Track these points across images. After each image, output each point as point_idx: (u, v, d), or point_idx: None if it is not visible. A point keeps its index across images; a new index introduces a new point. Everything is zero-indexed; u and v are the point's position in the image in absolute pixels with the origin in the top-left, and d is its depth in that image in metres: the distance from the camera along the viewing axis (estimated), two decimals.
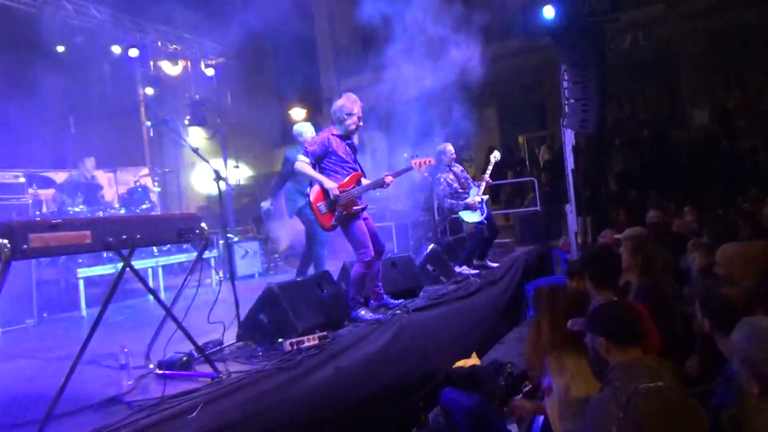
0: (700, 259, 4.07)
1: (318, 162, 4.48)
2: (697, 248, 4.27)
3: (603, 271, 3.31)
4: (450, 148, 6.93)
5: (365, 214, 4.57)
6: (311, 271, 5.76)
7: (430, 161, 4.73)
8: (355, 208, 4.44)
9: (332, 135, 4.52)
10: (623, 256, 3.64)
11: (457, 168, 6.98)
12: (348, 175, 4.48)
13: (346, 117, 4.51)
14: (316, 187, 4.44)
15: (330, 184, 4.37)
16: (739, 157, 10.76)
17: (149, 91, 11.49)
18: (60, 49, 9.85)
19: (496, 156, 7.08)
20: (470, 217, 6.75)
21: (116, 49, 10.49)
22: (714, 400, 2.19)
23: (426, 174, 7.85)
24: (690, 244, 4.67)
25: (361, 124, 4.58)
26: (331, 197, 4.37)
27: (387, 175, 4.56)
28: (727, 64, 12.99)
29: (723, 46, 12.74)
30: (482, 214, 6.77)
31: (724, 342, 2.31)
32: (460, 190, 6.79)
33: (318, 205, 4.42)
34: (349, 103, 4.52)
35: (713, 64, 13.01)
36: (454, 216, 7.04)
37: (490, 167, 6.96)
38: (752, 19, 11.67)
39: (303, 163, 4.42)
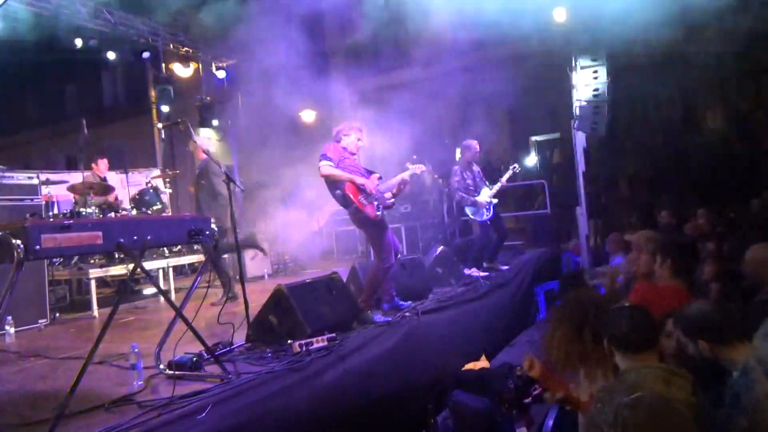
0: (710, 269, 4.03)
1: (337, 167, 4.54)
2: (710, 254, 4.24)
3: (686, 261, 3.33)
4: (475, 145, 6.98)
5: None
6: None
7: (422, 168, 5.01)
8: (388, 201, 4.64)
9: (339, 146, 4.65)
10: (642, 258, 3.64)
11: (476, 168, 7.01)
12: (367, 176, 4.61)
13: (342, 137, 4.68)
14: (350, 185, 4.49)
15: (362, 180, 4.50)
16: (753, 161, 10.65)
17: (165, 108, 11.54)
18: (73, 51, 9.95)
19: (515, 168, 7.14)
20: (475, 214, 6.80)
21: (128, 52, 10.59)
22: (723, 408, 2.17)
23: (437, 176, 7.87)
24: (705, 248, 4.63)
25: (360, 144, 4.73)
26: (367, 191, 4.49)
27: (404, 177, 4.79)
28: (741, 66, 12.87)
29: (738, 48, 12.61)
30: (488, 214, 6.84)
31: (728, 352, 2.27)
32: (471, 188, 6.82)
33: (359, 198, 4.49)
34: (346, 127, 4.72)
35: (727, 67, 12.89)
36: (463, 217, 7.07)
37: (508, 174, 7.01)
38: (767, 21, 11.54)
39: (329, 166, 4.47)
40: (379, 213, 4.51)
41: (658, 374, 2.11)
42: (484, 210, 6.81)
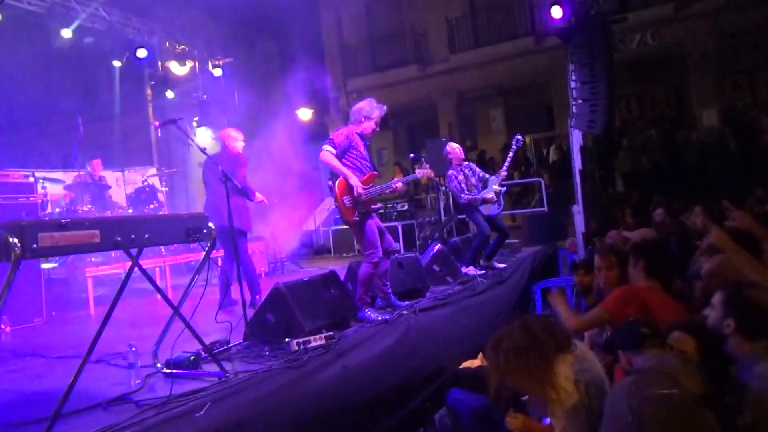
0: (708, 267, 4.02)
1: (341, 156, 4.48)
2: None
3: (658, 261, 3.35)
4: (452, 146, 7.00)
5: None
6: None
7: (431, 174, 4.93)
8: (373, 206, 4.53)
9: (354, 132, 4.56)
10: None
11: (468, 170, 6.96)
12: (366, 174, 4.54)
13: (363, 119, 4.58)
14: (341, 180, 4.44)
15: (356, 181, 4.39)
16: (748, 158, 10.69)
17: (170, 94, 11.57)
18: (69, 50, 9.91)
19: (519, 141, 7.19)
20: (487, 211, 6.80)
21: (124, 50, 10.54)
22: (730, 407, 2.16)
23: (433, 174, 7.86)
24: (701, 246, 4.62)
25: (377, 129, 4.66)
26: (355, 194, 4.40)
27: (397, 182, 4.76)
28: (736, 64, 12.92)
29: (732, 46, 12.66)
30: (499, 207, 6.87)
31: (746, 346, 2.25)
32: (465, 188, 6.78)
33: (343, 198, 4.44)
34: (368, 107, 4.61)
35: (722, 65, 12.93)
36: (468, 215, 7.04)
37: (513, 148, 7.09)
38: (761, 19, 11.59)
39: (329, 154, 4.40)
40: (357, 218, 4.44)
41: (667, 370, 2.12)
42: (495, 204, 6.81)
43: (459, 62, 15.03)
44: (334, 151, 4.41)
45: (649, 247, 3.60)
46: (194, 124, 11.89)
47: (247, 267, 5.46)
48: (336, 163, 4.42)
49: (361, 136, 4.59)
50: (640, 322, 2.60)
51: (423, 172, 4.81)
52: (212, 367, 3.25)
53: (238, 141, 5.78)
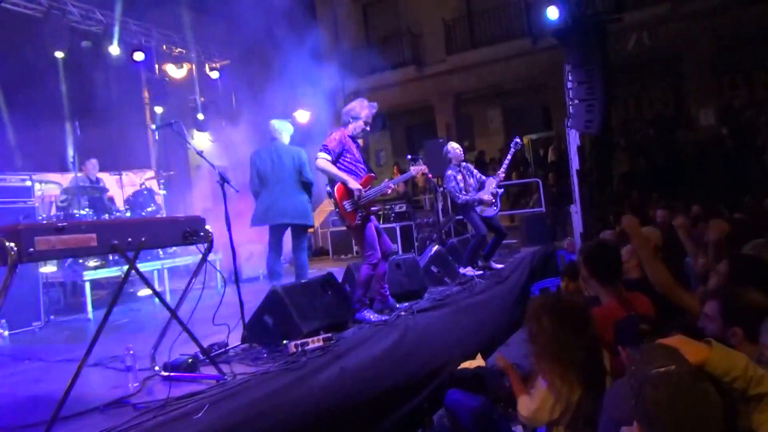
0: (703, 262, 4.03)
1: (335, 161, 4.47)
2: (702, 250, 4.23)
3: (606, 267, 3.20)
4: (452, 146, 6.99)
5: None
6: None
7: (425, 169, 4.88)
8: (372, 208, 4.56)
9: (346, 135, 4.56)
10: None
11: (466, 171, 6.95)
12: (362, 176, 4.53)
13: (351, 120, 4.58)
14: (340, 185, 4.44)
15: (355, 185, 4.40)
16: (745, 157, 10.71)
17: (158, 109, 11.64)
18: (66, 53, 9.90)
19: (517, 145, 7.21)
20: (484, 212, 6.81)
21: (118, 51, 10.50)
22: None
23: (431, 175, 7.87)
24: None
25: (368, 129, 4.66)
26: (356, 197, 4.41)
27: (389, 183, 4.72)
28: (733, 63, 12.94)
29: (729, 45, 12.69)
30: (496, 209, 6.89)
31: (750, 348, 2.24)
32: (463, 188, 6.78)
33: (344, 203, 4.44)
34: (358, 107, 4.60)
35: (719, 64, 12.96)
36: (464, 215, 7.05)
37: (511, 152, 7.13)
38: (758, 18, 11.62)
39: (325, 161, 4.40)
40: (358, 222, 4.46)
41: (666, 348, 2.11)
42: (492, 205, 6.83)
43: (456, 63, 15.05)
44: (329, 157, 4.40)
45: (591, 251, 3.38)
46: (199, 116, 11.89)
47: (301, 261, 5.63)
48: (333, 169, 4.41)
49: (353, 137, 4.59)
50: (641, 317, 2.59)
51: (418, 169, 4.82)
52: (210, 370, 3.25)
53: (283, 132, 5.74)
